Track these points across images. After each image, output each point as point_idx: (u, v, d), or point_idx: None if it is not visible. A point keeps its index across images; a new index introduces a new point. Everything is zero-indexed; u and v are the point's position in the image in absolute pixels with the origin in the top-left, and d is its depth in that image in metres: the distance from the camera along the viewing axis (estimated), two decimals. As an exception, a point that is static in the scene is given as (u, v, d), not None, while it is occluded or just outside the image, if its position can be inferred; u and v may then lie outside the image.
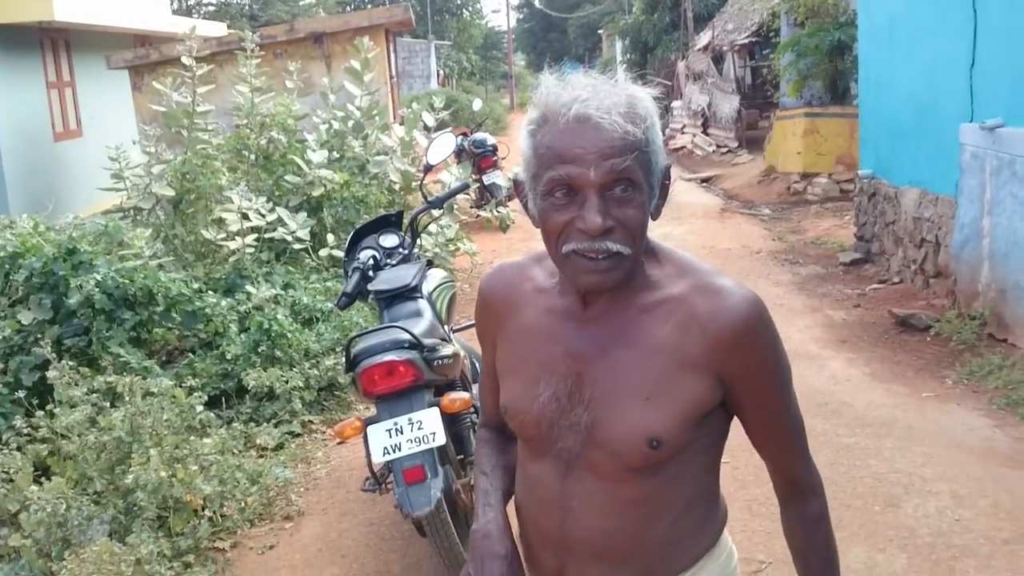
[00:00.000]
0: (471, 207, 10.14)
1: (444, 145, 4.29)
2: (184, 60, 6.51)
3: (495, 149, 11.09)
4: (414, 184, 7.52)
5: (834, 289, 7.46)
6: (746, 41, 17.81)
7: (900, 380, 5.26)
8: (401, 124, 8.66)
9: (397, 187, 7.55)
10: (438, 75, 33.12)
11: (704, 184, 14.44)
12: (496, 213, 8.89)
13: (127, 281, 4.20)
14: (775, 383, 1.40)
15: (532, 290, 1.48)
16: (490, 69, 45.64)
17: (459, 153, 11.58)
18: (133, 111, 10.40)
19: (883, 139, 7.87)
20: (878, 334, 6.14)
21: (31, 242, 4.55)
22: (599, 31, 37.09)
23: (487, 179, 10.60)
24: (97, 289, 4.13)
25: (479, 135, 11.40)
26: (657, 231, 1.60)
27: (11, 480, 3.46)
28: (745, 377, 1.36)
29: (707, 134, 18.36)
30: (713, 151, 17.32)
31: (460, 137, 12.00)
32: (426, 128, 8.05)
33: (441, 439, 2.99)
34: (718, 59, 19.04)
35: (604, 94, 1.29)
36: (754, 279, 7.70)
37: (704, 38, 20.45)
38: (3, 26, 9.92)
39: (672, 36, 24.03)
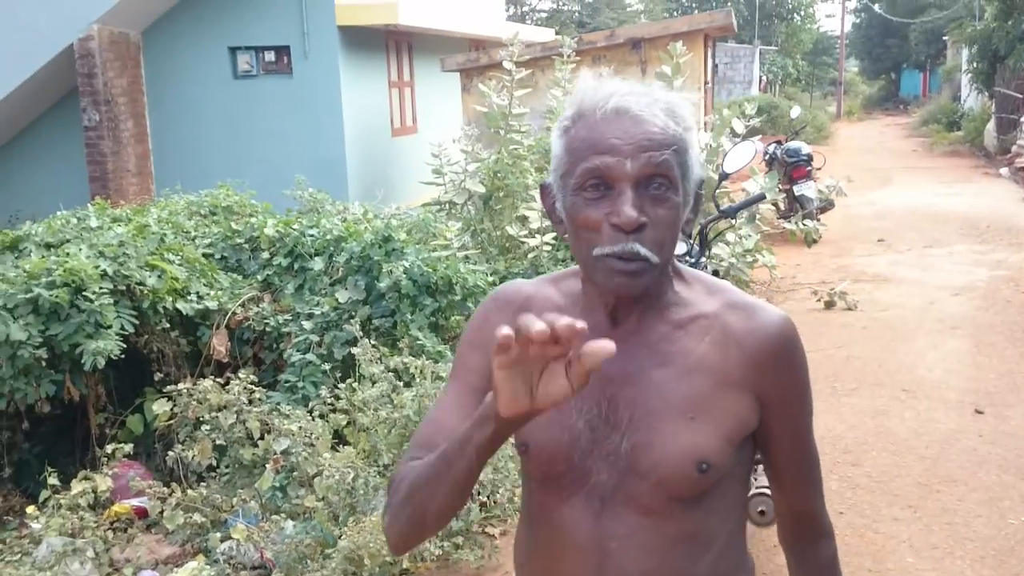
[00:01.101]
0: (777, 218, 9.74)
1: (743, 154, 4.13)
2: (505, 64, 6.81)
3: (810, 159, 10.59)
4: (718, 191, 7.33)
5: None
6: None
7: None
8: (710, 131, 8.48)
9: (700, 194, 7.40)
10: (760, 81, 32.18)
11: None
12: (802, 226, 8.45)
13: (431, 269, 4.46)
14: (804, 407, 1.34)
15: (552, 309, 1.32)
16: (818, 75, 43.58)
17: (771, 162, 11.20)
18: (461, 111, 11.08)
19: None
20: None
21: (353, 228, 4.96)
22: (943, 37, 34.19)
23: (798, 190, 10.15)
24: (404, 275, 4.42)
25: (794, 144, 10.95)
26: None
27: (312, 445, 3.79)
28: (779, 398, 1.29)
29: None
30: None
31: (774, 145, 11.60)
32: (734, 135, 7.81)
33: None
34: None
35: (643, 92, 1.22)
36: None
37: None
38: (354, 28, 10.96)
39: (1027, 45, 21.55)
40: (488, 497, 3.87)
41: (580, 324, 0.95)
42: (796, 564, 1.44)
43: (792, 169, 10.49)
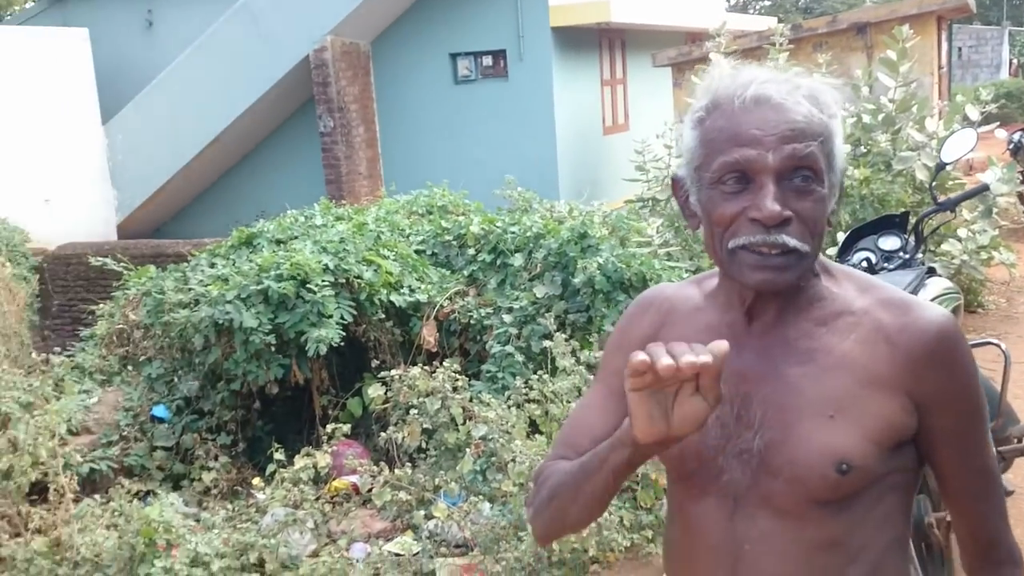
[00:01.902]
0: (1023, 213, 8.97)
1: (963, 142, 3.87)
2: (712, 56, 6.71)
3: (1061, 148, 9.67)
4: (949, 183, 6.88)
5: None
6: None
7: None
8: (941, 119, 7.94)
9: (925, 186, 6.96)
10: (1010, 64, 29.58)
11: None
12: (1048, 220, 7.73)
13: (624, 266, 4.51)
14: (972, 415, 1.23)
15: (691, 309, 1.31)
16: (1079, 56, 39.45)
17: (1016, 151, 10.32)
18: (672, 106, 11.00)
19: None
20: None
21: (552, 225, 5.10)
22: None
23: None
24: (598, 271, 4.49)
25: (1042, 131, 10.04)
26: None
27: (508, 432, 3.95)
28: (939, 402, 1.19)
29: None
30: None
31: (1019, 133, 10.68)
32: (967, 121, 7.27)
33: None
34: None
35: (784, 79, 1.15)
36: None
37: None
38: (567, 28, 11.14)
39: None
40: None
41: (703, 358, 0.98)
42: None
43: (1038, 158, 9.64)
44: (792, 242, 1.14)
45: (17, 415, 4.08)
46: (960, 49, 27.94)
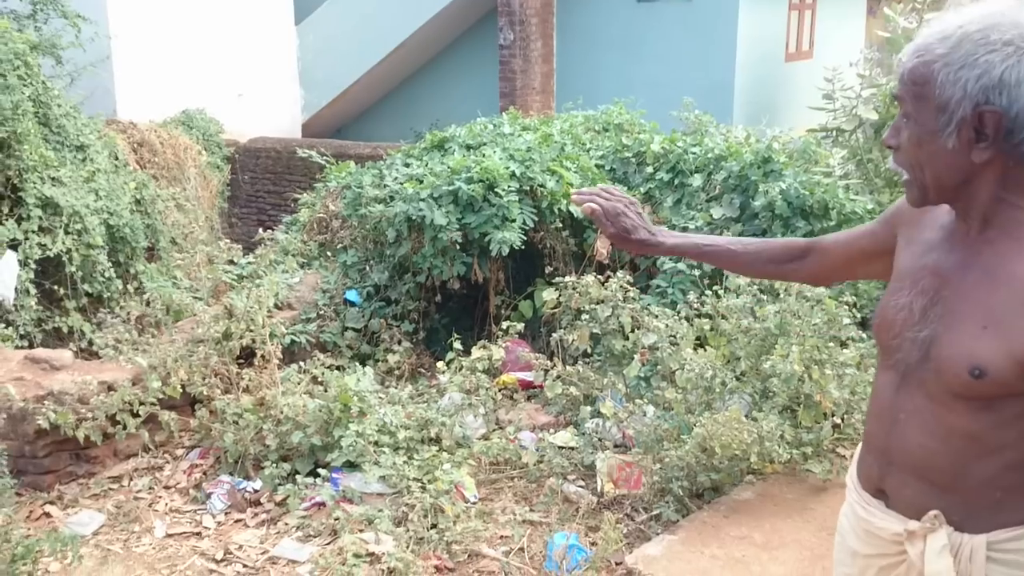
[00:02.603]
0: None
1: None
2: (915, -16, 6.46)
3: None
4: None
5: None
6: None
7: None
8: None
9: None
10: None
11: None
12: None
13: (807, 192, 4.54)
14: None
15: (944, 210, 1.46)
16: None
17: None
18: (863, 36, 10.57)
19: None
20: None
21: (735, 148, 5.15)
22: None
23: None
24: (780, 196, 4.55)
25: None
26: None
27: (676, 344, 4.13)
28: None
29: None
30: None
31: None
32: None
33: None
34: None
35: (981, 18, 1.25)
36: None
37: None
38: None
39: None
40: (842, 418, 3.96)
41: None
42: None
43: None
44: (895, 167, 1.42)
45: (236, 285, 4.55)
46: None
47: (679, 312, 4.37)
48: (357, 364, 4.86)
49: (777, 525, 3.39)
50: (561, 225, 5.21)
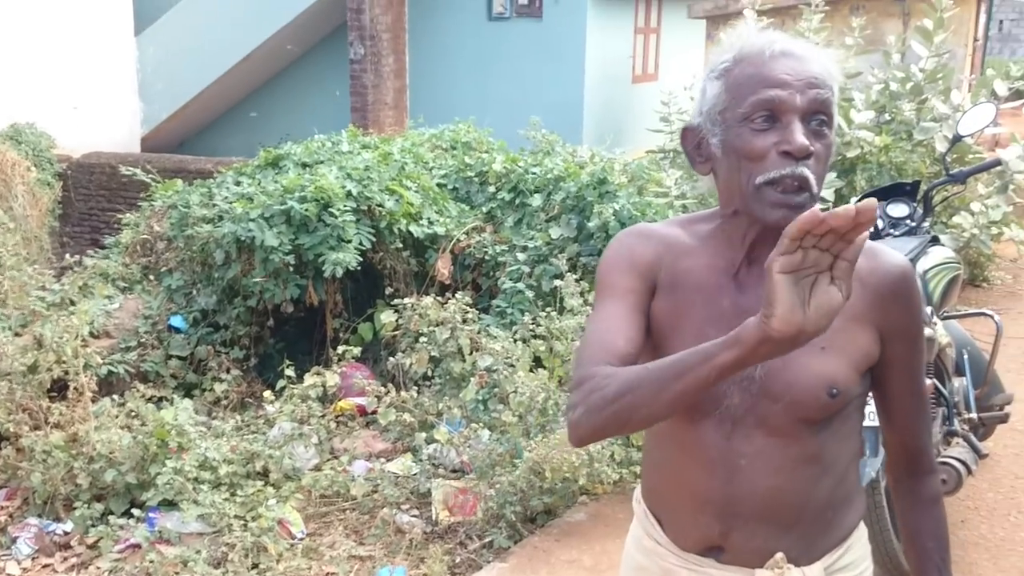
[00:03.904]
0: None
1: (980, 116, 3.91)
2: (745, 13, 6.69)
3: (1089, 128, 9.59)
4: (969, 156, 6.88)
5: None
6: None
7: None
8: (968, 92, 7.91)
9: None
10: (1053, 40, 28.97)
11: None
12: (1065, 201, 7.71)
13: (639, 214, 4.60)
14: (918, 345, 1.41)
15: (686, 247, 1.41)
16: None
17: (1044, 129, 10.24)
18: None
19: None
20: None
21: (573, 168, 5.17)
22: None
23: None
24: (613, 216, 4.59)
25: (1073, 111, 9.94)
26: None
27: (512, 365, 4.08)
28: (897, 333, 1.37)
29: None
30: None
31: (1049, 111, 10.57)
32: (996, 97, 7.24)
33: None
34: None
35: (801, 42, 1.31)
36: None
37: None
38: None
39: None
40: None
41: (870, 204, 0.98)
42: (902, 499, 1.51)
43: (1065, 138, 9.56)
44: (811, 176, 1.27)
45: (45, 313, 4.23)
46: (1002, 22, 27.39)
47: (515, 333, 4.33)
48: (179, 396, 4.60)
49: (607, 547, 3.38)
50: (401, 245, 5.11)
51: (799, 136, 1.26)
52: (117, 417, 4.17)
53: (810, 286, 1.02)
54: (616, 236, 1.50)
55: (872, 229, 3.65)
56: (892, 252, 1.40)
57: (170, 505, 3.76)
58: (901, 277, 1.37)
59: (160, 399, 4.64)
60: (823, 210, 0.99)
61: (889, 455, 1.52)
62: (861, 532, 1.47)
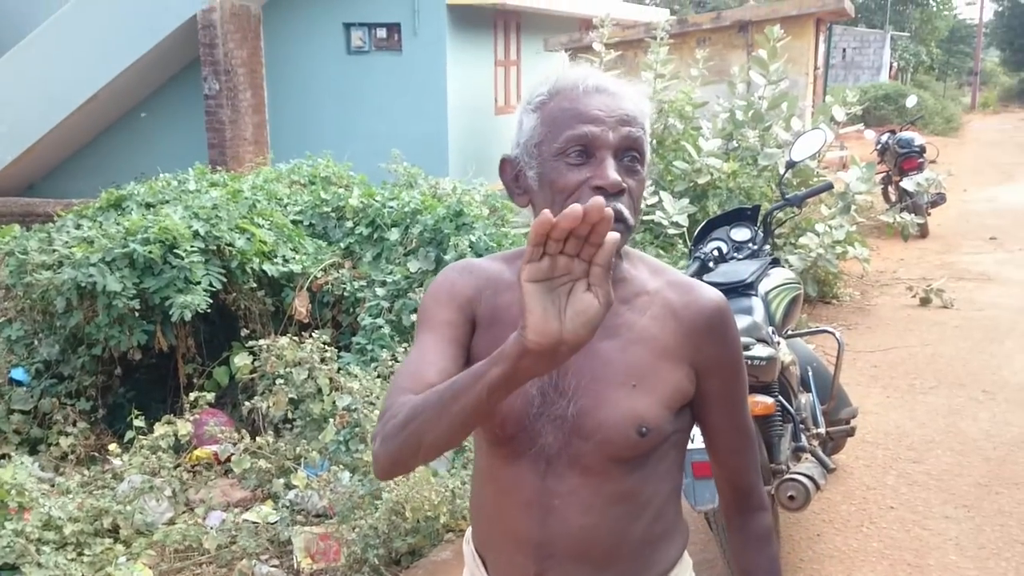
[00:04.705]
0: (886, 209, 9.49)
1: (811, 142, 4.11)
2: (595, 46, 6.87)
3: (922, 150, 10.25)
4: (813, 180, 7.23)
5: None
6: None
7: None
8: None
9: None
10: (890, 68, 30.98)
11: None
12: (899, 219, 8.21)
13: (496, 245, 4.62)
14: (740, 380, 1.40)
15: (507, 283, 1.40)
16: (954, 64, 41.59)
17: (883, 152, 10.88)
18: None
19: None
20: None
21: (429, 202, 5.16)
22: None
23: (906, 182, 9.86)
24: (470, 249, 4.59)
25: (906, 134, 10.61)
26: None
27: (372, 403, 4.01)
28: (714, 368, 1.36)
29: None
30: None
31: (887, 135, 11.26)
32: (835, 123, 7.66)
33: None
34: None
35: (614, 78, 1.33)
36: None
37: None
38: (463, 7, 11.16)
39: None
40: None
41: (608, 207, 0.93)
42: (732, 535, 1.50)
43: (903, 160, 10.18)
44: (626, 211, 1.28)
45: None
46: (845, 50, 29.09)
47: (375, 370, 4.27)
48: (23, 452, 4.33)
49: (472, 585, 3.33)
50: (256, 285, 4.97)
51: (611, 172, 1.26)
52: (-48, 481, 3.88)
53: (566, 295, 0.97)
54: (441, 271, 1.48)
55: (716, 252, 3.79)
56: (706, 287, 1.39)
57: (12, 570, 3.51)
58: (715, 311, 1.36)
59: (2, 456, 4.36)
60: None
61: (719, 491, 1.51)
62: (685, 564, 1.45)
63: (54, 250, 4.81)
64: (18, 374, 4.79)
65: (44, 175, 11.95)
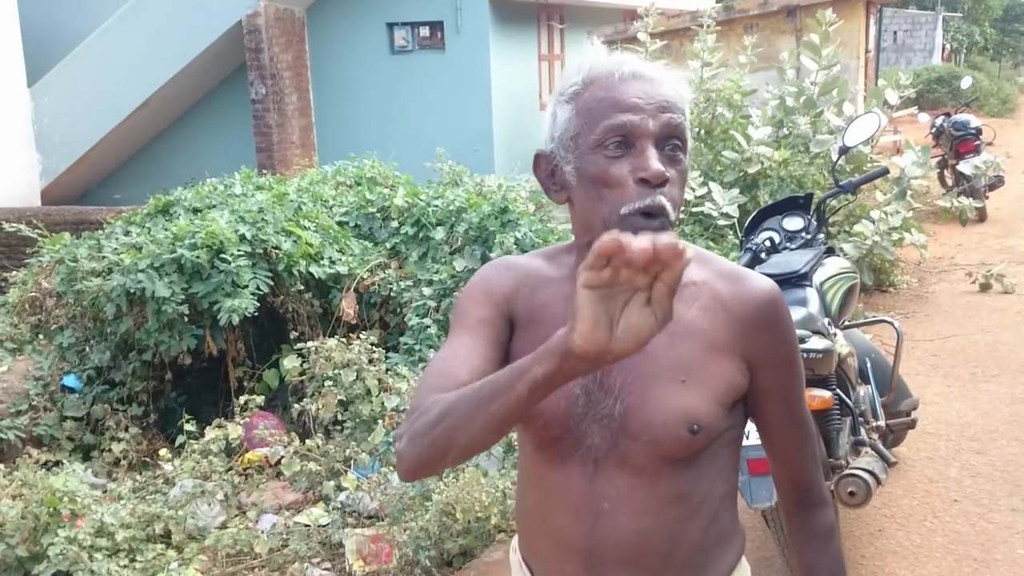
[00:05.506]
0: (943, 193, 9.24)
1: (865, 126, 3.98)
2: (639, 36, 6.76)
3: (979, 132, 9.95)
4: (868, 166, 7.03)
5: None
6: None
7: None
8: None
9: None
10: (943, 49, 30.23)
11: None
12: (956, 203, 7.96)
13: (541, 241, 4.55)
14: (793, 373, 1.33)
15: (547, 279, 1.33)
16: (1009, 44, 40.38)
17: (938, 135, 10.60)
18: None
19: None
20: None
21: (474, 199, 5.12)
22: None
23: (963, 165, 9.57)
24: (516, 246, 4.54)
25: (962, 116, 10.32)
26: None
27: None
28: (769, 361, 1.30)
29: None
30: None
31: (942, 118, 10.96)
32: (888, 107, 7.44)
33: None
34: None
35: (650, 63, 1.25)
36: None
37: None
38: (505, 2, 11.10)
39: None
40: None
41: (681, 245, 0.88)
42: (793, 532, 1.44)
43: (959, 143, 9.90)
44: (668, 205, 1.22)
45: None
46: (895, 33, 28.47)
47: (422, 370, 4.23)
48: (76, 459, 4.38)
49: (525, 586, 3.28)
50: (303, 287, 4.97)
51: (655, 163, 1.20)
52: (7, 487, 3.94)
53: (623, 304, 0.91)
54: (479, 269, 1.42)
55: (768, 242, 3.68)
56: (756, 276, 1.32)
57: (66, 577, 3.54)
58: (767, 301, 1.29)
59: (56, 463, 4.41)
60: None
61: (778, 488, 1.44)
62: (743, 570, 1.38)
63: (103, 257, 4.86)
64: (70, 381, 4.85)
65: (98, 183, 12.15)
